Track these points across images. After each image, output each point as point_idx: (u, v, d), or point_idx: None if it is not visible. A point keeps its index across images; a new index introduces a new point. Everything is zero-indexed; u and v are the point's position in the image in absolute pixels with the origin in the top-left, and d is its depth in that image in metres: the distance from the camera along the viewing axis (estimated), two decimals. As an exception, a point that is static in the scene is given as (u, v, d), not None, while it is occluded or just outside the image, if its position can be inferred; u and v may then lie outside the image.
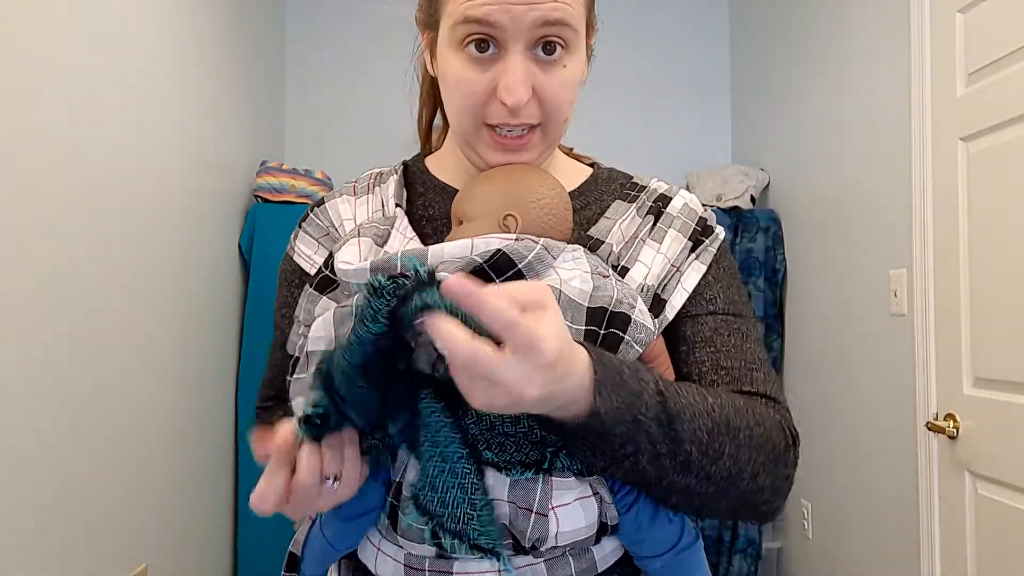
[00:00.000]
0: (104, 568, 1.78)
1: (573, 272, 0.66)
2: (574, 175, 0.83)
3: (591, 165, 0.86)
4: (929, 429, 1.82)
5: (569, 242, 0.72)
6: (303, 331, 0.68)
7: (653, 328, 0.68)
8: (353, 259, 0.68)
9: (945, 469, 1.83)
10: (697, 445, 0.61)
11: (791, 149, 2.75)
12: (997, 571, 1.65)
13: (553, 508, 0.63)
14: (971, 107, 1.73)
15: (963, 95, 1.77)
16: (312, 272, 0.78)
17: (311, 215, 0.82)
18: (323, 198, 0.83)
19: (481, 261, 0.63)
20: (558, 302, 0.62)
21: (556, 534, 0.63)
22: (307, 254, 0.80)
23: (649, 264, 0.74)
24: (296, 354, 0.67)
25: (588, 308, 0.64)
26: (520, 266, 0.64)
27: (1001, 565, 1.64)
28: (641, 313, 0.67)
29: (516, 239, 0.66)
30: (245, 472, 2.57)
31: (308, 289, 0.70)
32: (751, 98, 3.13)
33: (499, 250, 0.64)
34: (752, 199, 2.86)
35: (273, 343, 0.86)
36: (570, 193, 0.80)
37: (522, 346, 0.48)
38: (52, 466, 1.58)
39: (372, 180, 0.83)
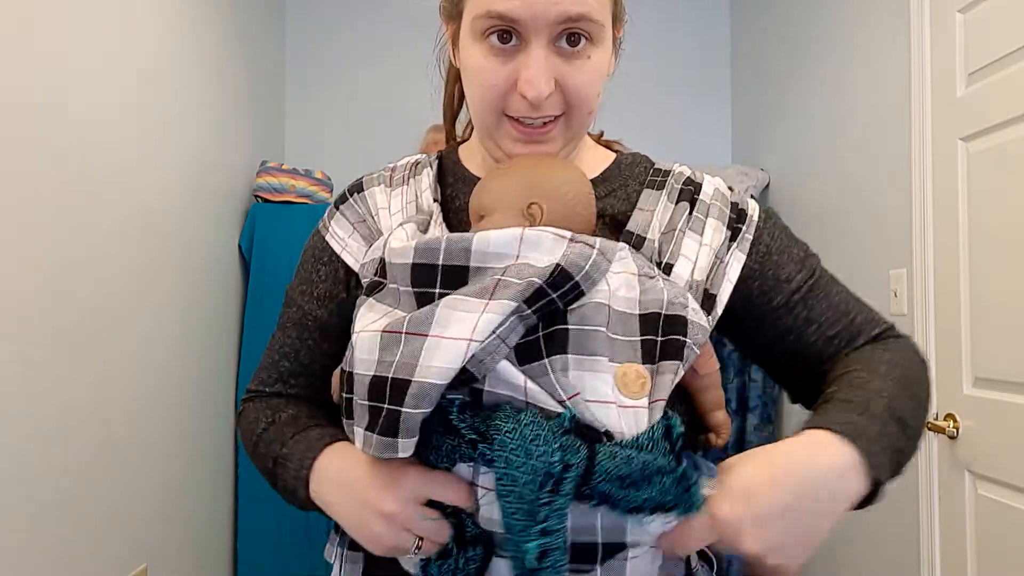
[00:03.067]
0: (104, 568, 1.78)
1: (620, 277, 0.64)
2: (598, 162, 0.81)
3: (614, 151, 0.85)
4: (929, 429, 1.82)
5: (593, 232, 0.70)
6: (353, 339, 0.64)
7: (707, 326, 0.66)
8: (400, 243, 0.66)
9: (945, 469, 1.83)
10: (912, 415, 0.67)
11: (791, 149, 2.75)
12: (997, 571, 1.65)
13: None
14: (971, 107, 1.73)
15: (963, 95, 1.77)
16: (340, 250, 0.78)
17: (350, 199, 0.81)
18: (362, 183, 0.82)
19: (541, 282, 0.59)
20: (608, 323, 0.61)
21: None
22: (341, 236, 0.79)
23: (693, 258, 0.72)
24: (349, 368, 0.63)
25: (640, 315, 0.63)
26: (578, 279, 0.60)
27: (1001, 565, 1.64)
28: (695, 312, 0.65)
29: (570, 239, 0.63)
30: (245, 472, 2.57)
31: (360, 297, 0.68)
32: (751, 98, 3.13)
33: (558, 265, 0.60)
34: (752, 199, 2.86)
35: (281, 322, 0.83)
36: (594, 180, 0.78)
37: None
38: (52, 466, 1.58)
39: (408, 171, 0.81)
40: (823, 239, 2.50)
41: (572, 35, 0.67)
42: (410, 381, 0.56)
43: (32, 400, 1.51)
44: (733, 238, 0.75)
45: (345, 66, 3.23)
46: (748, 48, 3.17)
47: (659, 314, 0.63)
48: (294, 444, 0.73)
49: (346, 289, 0.78)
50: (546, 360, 0.60)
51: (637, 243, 0.72)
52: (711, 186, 0.77)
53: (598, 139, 0.87)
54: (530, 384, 0.59)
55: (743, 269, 0.75)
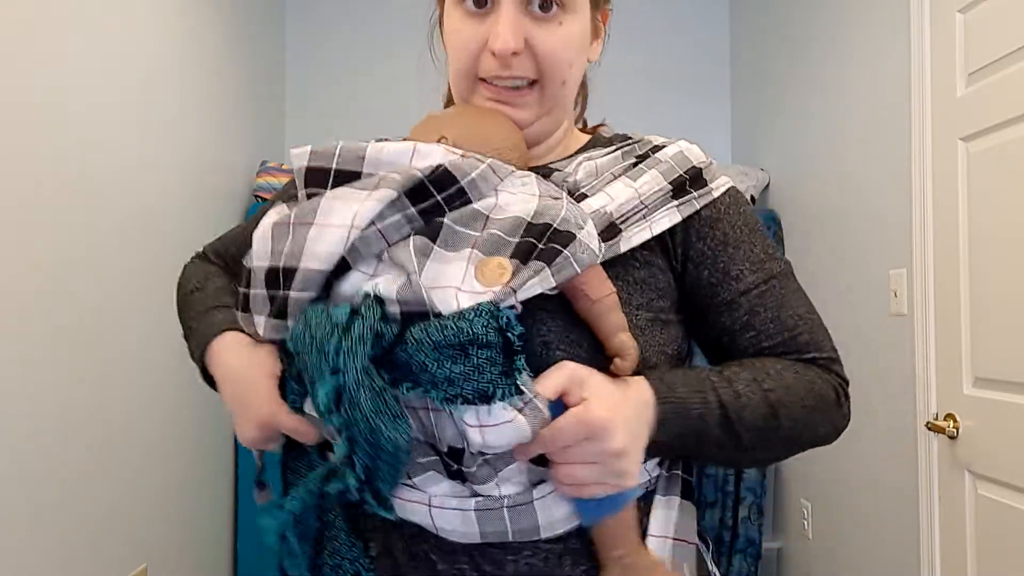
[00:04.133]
0: (104, 568, 1.78)
1: (517, 196, 0.64)
2: (575, 144, 0.81)
3: (593, 133, 0.84)
4: (929, 429, 1.82)
5: None
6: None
7: (598, 252, 0.64)
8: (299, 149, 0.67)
9: (945, 469, 1.83)
10: (756, 433, 0.68)
11: (791, 149, 2.75)
12: (997, 571, 1.65)
13: (482, 425, 0.58)
14: (971, 107, 1.73)
15: (963, 95, 1.77)
16: None
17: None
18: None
19: (423, 176, 0.61)
20: (484, 227, 0.62)
21: (481, 444, 0.59)
22: None
23: (613, 196, 0.70)
24: (247, 264, 0.66)
25: (528, 223, 0.62)
26: (463, 183, 0.62)
27: (1001, 565, 1.64)
28: (588, 235, 0.63)
29: (462, 155, 0.64)
30: (245, 472, 2.57)
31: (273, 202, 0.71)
32: (751, 98, 3.13)
33: (441, 165, 0.62)
34: (752, 199, 2.86)
35: (256, 217, 0.86)
36: (569, 157, 0.77)
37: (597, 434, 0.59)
38: (52, 466, 1.58)
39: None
40: (823, 239, 2.50)
41: (544, 1, 0.68)
42: (296, 268, 0.60)
43: (32, 400, 1.51)
44: (675, 196, 0.71)
45: (345, 66, 3.23)
46: (748, 48, 3.17)
47: (549, 225, 0.62)
48: (201, 320, 0.79)
49: None
50: (412, 237, 0.60)
51: (546, 174, 0.72)
52: (676, 149, 0.74)
53: (583, 128, 0.87)
54: (366, 286, 0.60)
55: (695, 252, 0.73)
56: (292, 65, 3.23)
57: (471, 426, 0.58)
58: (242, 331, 0.71)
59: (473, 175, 0.63)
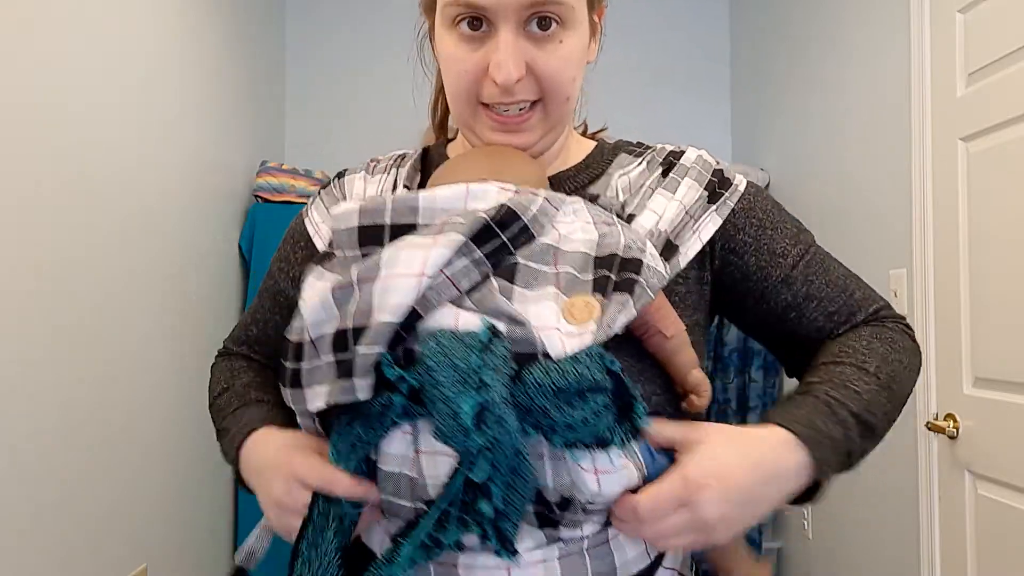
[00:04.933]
0: (104, 568, 1.78)
1: (574, 225, 0.63)
2: (577, 152, 0.80)
3: (597, 141, 0.84)
4: (929, 429, 1.82)
5: None
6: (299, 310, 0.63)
7: (665, 273, 0.64)
8: (343, 209, 0.64)
9: (945, 469, 1.83)
10: (885, 419, 0.69)
11: (791, 149, 2.75)
12: (997, 571, 1.65)
13: (597, 472, 0.57)
14: (971, 107, 1.73)
15: (963, 95, 1.77)
16: (312, 234, 0.79)
17: (331, 184, 0.82)
18: (346, 170, 0.83)
19: (488, 218, 0.58)
20: (556, 262, 0.60)
21: (596, 491, 0.57)
22: (316, 220, 0.80)
23: (660, 212, 0.70)
24: (293, 338, 0.62)
25: (595, 257, 0.61)
26: (525, 220, 0.60)
27: (1001, 565, 1.64)
28: (652, 257, 0.63)
29: (516, 190, 0.62)
30: (245, 472, 2.57)
31: (309, 267, 0.66)
32: (751, 98, 3.13)
33: (504, 204, 0.60)
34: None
35: (260, 289, 0.88)
36: (575, 167, 0.77)
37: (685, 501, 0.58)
38: (52, 466, 1.58)
39: (392, 161, 0.82)
40: (823, 239, 2.48)
41: (542, 19, 0.66)
42: (367, 326, 0.56)
43: (32, 400, 1.51)
44: (712, 200, 0.73)
45: (345, 66, 3.23)
46: (748, 47, 3.17)
47: (615, 255, 0.61)
48: (233, 420, 0.76)
49: None
50: (492, 280, 0.58)
51: (593, 198, 0.71)
52: (694, 153, 0.76)
53: (583, 133, 0.86)
54: (462, 323, 0.56)
55: (737, 244, 0.74)
56: (292, 65, 3.23)
57: (586, 471, 0.56)
58: (273, 422, 0.70)
59: (534, 210, 0.61)
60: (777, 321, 0.76)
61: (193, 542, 2.29)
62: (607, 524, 0.62)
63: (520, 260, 0.60)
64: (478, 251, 0.58)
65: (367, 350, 0.56)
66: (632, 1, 3.24)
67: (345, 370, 0.57)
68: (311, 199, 0.84)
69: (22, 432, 1.48)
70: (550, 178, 0.75)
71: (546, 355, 0.56)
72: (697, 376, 0.67)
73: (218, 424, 0.80)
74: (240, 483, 0.74)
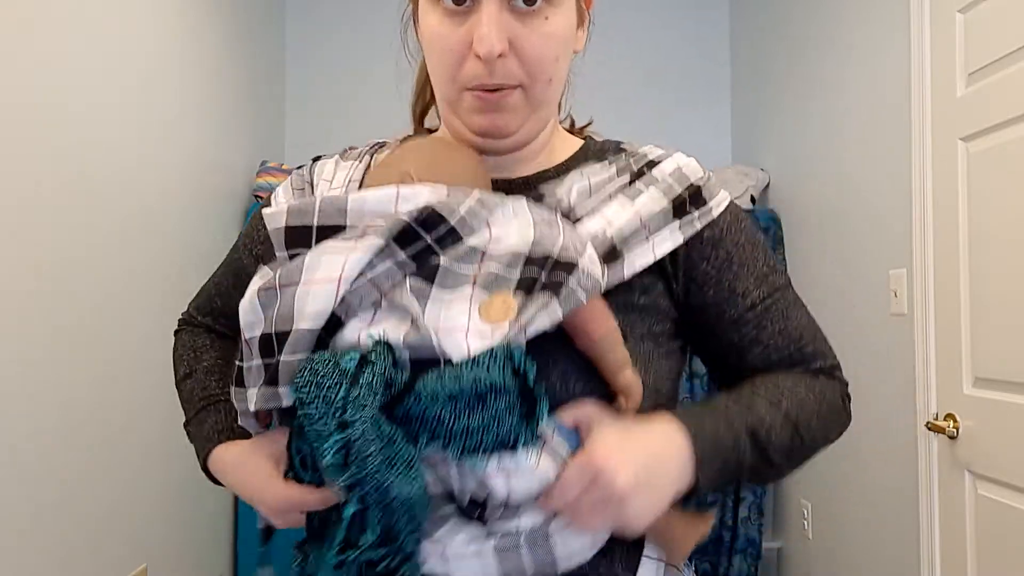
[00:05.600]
0: (104, 568, 1.78)
1: (510, 227, 0.61)
2: (563, 150, 0.78)
3: (586, 138, 0.81)
4: (929, 429, 1.82)
5: None
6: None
7: (601, 279, 0.62)
8: (274, 208, 0.64)
9: (945, 469, 1.83)
10: (784, 452, 0.69)
11: (791, 149, 2.75)
12: (997, 571, 1.65)
13: (507, 474, 0.58)
14: (971, 107, 1.73)
15: (963, 95, 1.77)
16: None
17: (303, 168, 0.82)
18: (321, 156, 0.83)
19: (409, 219, 0.58)
20: (481, 263, 0.60)
21: (506, 493, 0.57)
22: (280, 202, 0.78)
23: (611, 218, 0.67)
24: (244, 335, 0.62)
25: (527, 256, 0.60)
26: (452, 222, 0.59)
27: (1001, 565, 1.64)
28: (590, 261, 0.62)
29: (448, 193, 0.61)
30: (245, 472, 2.57)
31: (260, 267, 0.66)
32: (751, 98, 3.13)
33: (427, 206, 0.59)
34: (752, 199, 2.86)
35: (225, 260, 0.89)
36: (555, 168, 0.75)
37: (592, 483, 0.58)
38: (52, 466, 1.58)
39: (368, 149, 0.80)
40: (823, 239, 2.50)
41: None
42: (289, 332, 0.57)
43: (32, 400, 1.51)
44: (676, 215, 0.69)
45: (345, 66, 3.23)
46: (748, 48, 3.17)
47: (549, 255, 0.60)
48: (194, 422, 0.79)
49: None
50: (407, 279, 0.58)
51: (537, 198, 0.69)
52: (673, 164, 0.72)
53: (571, 128, 0.84)
54: (365, 337, 0.57)
55: (699, 274, 0.72)
56: (292, 65, 3.23)
57: (492, 476, 0.56)
58: (232, 434, 0.73)
59: (462, 211, 0.60)
60: (719, 355, 0.75)
61: (193, 542, 2.29)
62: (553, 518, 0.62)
63: (442, 262, 0.59)
64: (402, 253, 0.58)
65: (290, 357, 0.57)
66: (632, 2, 3.24)
67: (271, 375, 0.58)
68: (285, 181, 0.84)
69: (22, 432, 1.48)
70: (531, 177, 0.74)
71: (447, 360, 0.55)
72: (626, 377, 0.65)
73: (185, 413, 0.83)
74: (212, 481, 0.78)
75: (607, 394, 0.66)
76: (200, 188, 2.35)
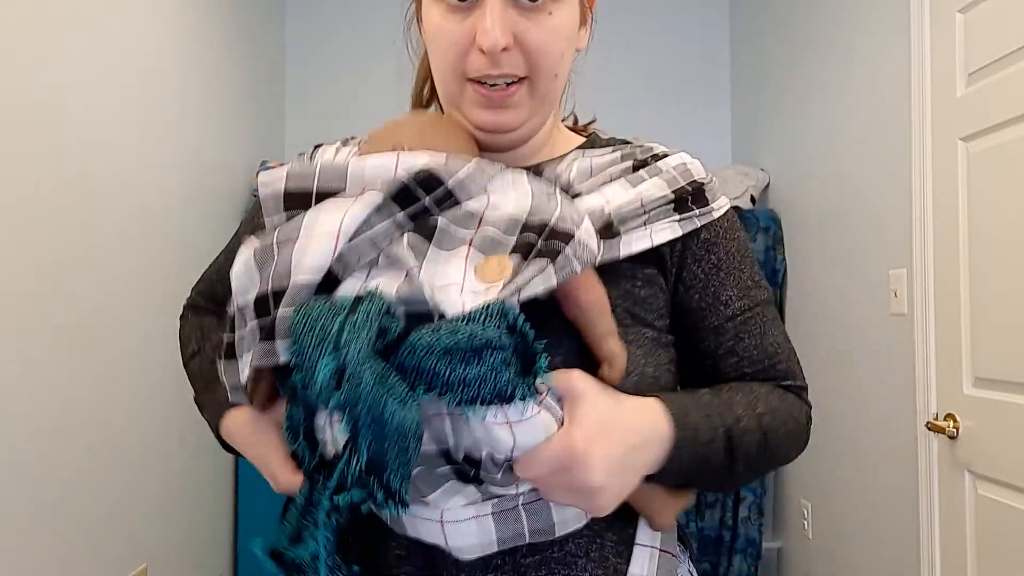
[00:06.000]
0: (104, 568, 1.78)
1: (508, 195, 0.62)
2: (565, 145, 0.78)
3: (589, 135, 0.81)
4: (929, 429, 1.82)
5: None
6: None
7: (597, 252, 0.62)
8: (271, 174, 0.63)
9: (945, 469, 1.83)
10: (750, 458, 0.68)
11: (791, 149, 2.76)
12: (997, 571, 1.65)
13: (510, 423, 0.56)
14: (971, 107, 1.73)
15: (963, 95, 1.77)
16: None
17: (305, 154, 0.81)
18: (320, 145, 0.83)
19: (407, 179, 0.58)
20: (479, 226, 0.59)
21: (512, 443, 0.56)
22: None
23: (611, 198, 0.67)
24: (229, 310, 0.62)
25: (525, 222, 0.60)
26: (449, 184, 0.59)
27: (1001, 565, 1.64)
28: (587, 234, 0.61)
29: (447, 159, 0.61)
30: (245, 472, 2.57)
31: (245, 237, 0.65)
32: (751, 98, 3.13)
33: (425, 168, 0.59)
34: (752, 199, 2.86)
35: (230, 247, 0.88)
36: (557, 159, 0.75)
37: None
38: (52, 466, 1.58)
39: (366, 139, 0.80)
40: (823, 239, 2.50)
41: None
42: (286, 288, 0.56)
43: (32, 400, 1.51)
44: (678, 208, 0.69)
45: (345, 66, 3.23)
46: (748, 49, 3.17)
47: (547, 223, 0.60)
48: (206, 393, 0.79)
49: None
50: (405, 235, 0.58)
51: (538, 171, 0.70)
52: (678, 159, 0.72)
53: (574, 126, 0.84)
54: (369, 284, 0.56)
55: (687, 275, 0.72)
56: (292, 65, 3.23)
57: (498, 424, 0.55)
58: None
59: (460, 175, 0.60)
60: (693, 359, 0.75)
61: (193, 542, 2.29)
62: None
63: (440, 221, 0.59)
64: (400, 212, 0.58)
65: (286, 311, 0.56)
66: (633, 3, 3.24)
67: (264, 331, 0.57)
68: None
69: (22, 432, 1.48)
70: (531, 167, 0.74)
71: (441, 315, 0.55)
72: (611, 345, 0.64)
73: (195, 389, 0.83)
74: (226, 448, 0.78)
75: (592, 366, 0.65)
76: (200, 188, 2.35)
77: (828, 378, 2.39)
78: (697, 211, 0.71)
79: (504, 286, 0.57)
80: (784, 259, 2.78)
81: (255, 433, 0.69)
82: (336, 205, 0.58)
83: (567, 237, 0.59)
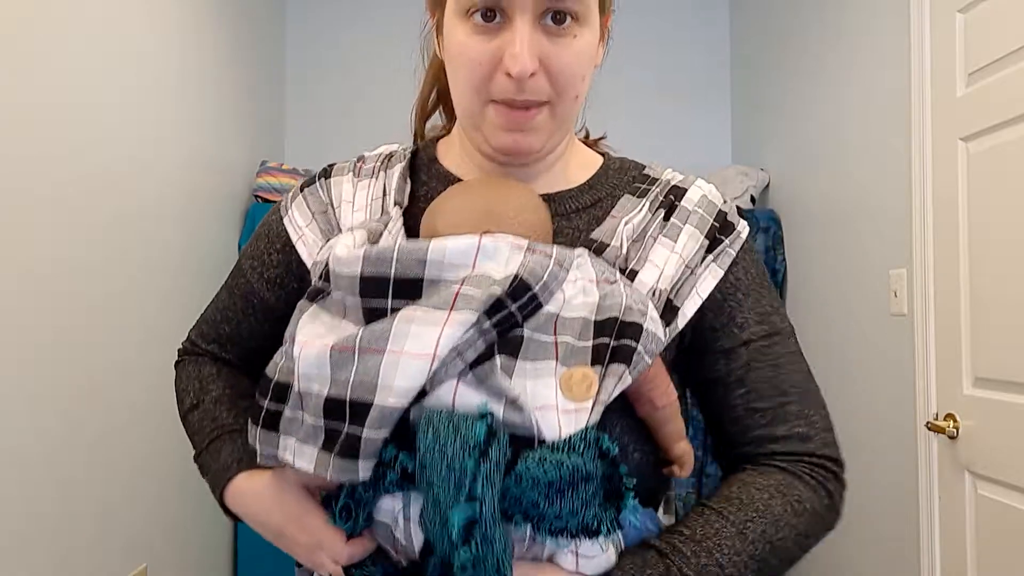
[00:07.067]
0: (104, 568, 1.78)
1: (577, 285, 0.62)
2: (586, 167, 0.78)
3: (602, 154, 0.81)
4: (929, 429, 1.82)
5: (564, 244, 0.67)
6: (288, 349, 0.61)
7: (663, 339, 0.64)
8: (346, 251, 0.63)
9: (945, 469, 1.83)
10: None
11: (791, 149, 2.75)
12: (997, 571, 1.65)
13: (578, 554, 0.60)
14: (971, 107, 1.73)
15: (963, 95, 1.77)
16: (295, 239, 0.76)
17: (316, 184, 0.79)
18: (331, 169, 0.80)
19: (501, 291, 0.57)
20: (556, 331, 0.59)
21: (573, 572, 0.60)
22: (299, 224, 0.77)
23: (661, 265, 0.69)
24: (278, 378, 0.61)
25: (596, 321, 0.60)
26: (535, 289, 0.59)
27: (1001, 565, 1.64)
28: (653, 322, 0.62)
29: (527, 248, 0.61)
30: (245, 472, 2.57)
31: (301, 302, 0.64)
32: (751, 98, 3.13)
33: (517, 276, 0.59)
34: (752, 199, 2.86)
35: (229, 284, 0.84)
36: (579, 187, 0.76)
37: None
38: (52, 466, 1.58)
39: (379, 163, 0.78)
40: (823, 239, 2.50)
41: (557, 13, 0.65)
42: (371, 404, 0.54)
43: (32, 400, 1.51)
44: (711, 248, 0.71)
45: (345, 66, 3.23)
46: (748, 48, 3.17)
47: (616, 319, 0.60)
48: (208, 454, 0.76)
49: (298, 280, 0.77)
50: (496, 358, 0.58)
51: (599, 249, 0.69)
52: (698, 193, 0.73)
53: (585, 140, 0.84)
54: (460, 401, 0.57)
55: (729, 298, 0.72)
56: (292, 65, 3.23)
57: (564, 555, 0.58)
58: (253, 459, 0.67)
59: (545, 277, 0.60)
60: (703, 389, 0.74)
61: (193, 542, 2.29)
62: None
63: (526, 332, 0.59)
64: (487, 321, 0.57)
65: (374, 434, 0.55)
66: (633, 3, 3.24)
67: (342, 445, 0.56)
68: (291, 194, 0.80)
69: (22, 432, 1.48)
70: (552, 195, 0.74)
71: (542, 440, 0.56)
72: (682, 447, 0.68)
73: (195, 446, 0.80)
74: (230, 515, 0.75)
75: (658, 458, 0.69)
76: (200, 188, 2.35)
77: (828, 378, 2.39)
78: (727, 241, 0.72)
79: (593, 407, 0.58)
80: (784, 259, 2.77)
81: (283, 496, 0.66)
82: (425, 318, 0.56)
83: (637, 331, 0.60)
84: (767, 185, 2.93)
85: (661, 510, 0.73)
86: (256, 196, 2.74)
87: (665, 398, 0.65)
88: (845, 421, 2.44)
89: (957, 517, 1.78)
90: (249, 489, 0.70)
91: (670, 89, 3.29)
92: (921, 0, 1.91)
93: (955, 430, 1.76)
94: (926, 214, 1.89)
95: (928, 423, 1.82)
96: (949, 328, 1.81)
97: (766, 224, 2.78)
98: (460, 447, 0.53)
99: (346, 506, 0.60)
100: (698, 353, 0.72)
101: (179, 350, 0.90)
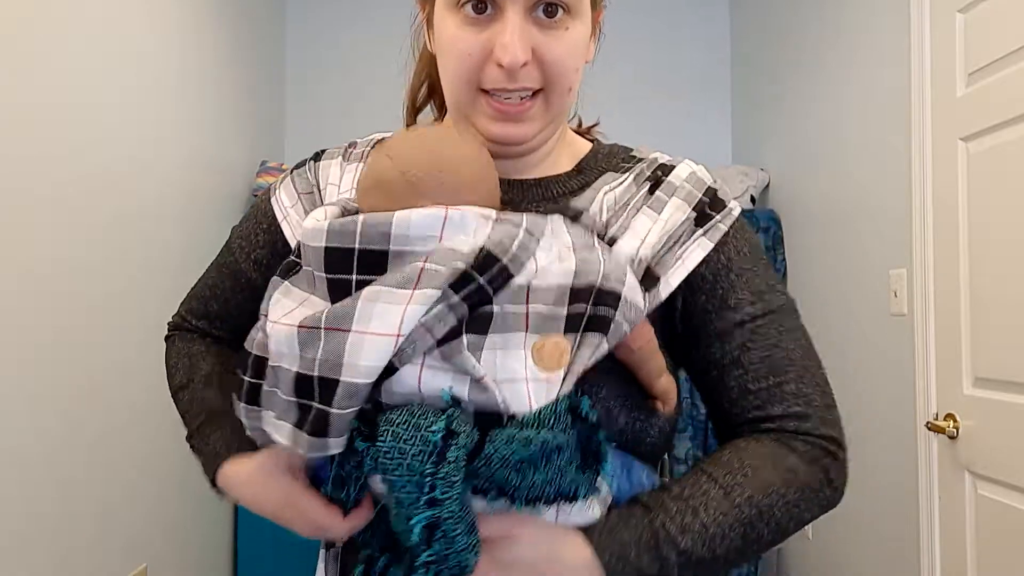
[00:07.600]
0: (104, 568, 1.78)
1: (552, 252, 0.61)
2: (575, 157, 0.78)
3: (593, 141, 0.81)
4: (929, 429, 1.82)
5: (500, 205, 0.65)
6: (263, 324, 0.61)
7: (643, 307, 0.63)
8: (313, 224, 0.62)
9: (945, 469, 1.83)
10: (736, 552, 0.65)
11: (791, 149, 2.76)
12: (997, 571, 1.65)
13: (558, 512, 0.61)
14: (971, 107, 1.73)
15: (963, 95, 1.77)
16: (280, 219, 0.77)
17: (305, 167, 0.80)
18: (322, 153, 0.81)
19: (466, 265, 0.56)
20: (528, 300, 0.58)
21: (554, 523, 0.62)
22: (285, 204, 0.77)
23: (643, 234, 0.68)
24: (256, 351, 0.61)
25: (572, 288, 0.59)
26: (505, 261, 0.57)
27: (1001, 565, 1.64)
28: (631, 290, 0.61)
29: (495, 219, 0.60)
30: (245, 472, 2.57)
31: (274, 278, 0.64)
32: (751, 98, 3.13)
33: (483, 248, 0.57)
34: (752, 199, 2.87)
35: (219, 261, 0.85)
36: (568, 172, 0.75)
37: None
38: (52, 466, 1.58)
39: (369, 147, 0.79)
40: (823, 239, 2.50)
41: (549, 5, 0.65)
42: (338, 381, 0.55)
43: (32, 400, 1.51)
44: (700, 222, 0.70)
45: (345, 66, 3.23)
46: (748, 48, 3.17)
47: (593, 285, 0.59)
48: (198, 436, 0.78)
49: (283, 260, 0.75)
50: (464, 336, 0.57)
51: (575, 216, 0.68)
52: (686, 170, 0.73)
53: (577, 129, 0.84)
54: (425, 384, 0.57)
55: (694, 277, 0.70)
56: (292, 65, 3.24)
57: (547, 512, 0.60)
58: (241, 444, 0.69)
59: (514, 248, 0.58)
60: (699, 372, 0.73)
61: (193, 542, 2.29)
62: None
63: (495, 307, 0.58)
64: (455, 297, 0.56)
65: (341, 411, 0.55)
66: (633, 2, 3.24)
67: (312, 422, 0.56)
68: (281, 177, 0.81)
69: (22, 432, 1.48)
70: (540, 179, 0.74)
71: (511, 415, 0.56)
72: (663, 384, 0.66)
73: (186, 426, 0.81)
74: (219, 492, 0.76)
75: (642, 406, 0.68)
76: (200, 188, 2.35)
77: (828, 378, 2.38)
78: (718, 216, 0.71)
79: (565, 377, 0.57)
80: (784, 259, 2.78)
81: (272, 482, 0.67)
82: (390, 296, 0.55)
83: (615, 299, 0.59)
84: (767, 185, 2.93)
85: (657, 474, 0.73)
86: (256, 196, 2.74)
87: (640, 338, 0.64)
88: (845, 421, 2.43)
89: (957, 517, 1.78)
90: (238, 476, 0.71)
91: (670, 89, 3.29)
92: (921, 0, 1.91)
93: (955, 430, 1.76)
94: (926, 214, 1.89)
95: (928, 423, 1.82)
96: (949, 328, 1.81)
97: (766, 224, 2.78)
98: (419, 450, 0.53)
99: (338, 476, 0.61)
100: (694, 336, 0.72)
101: (169, 324, 0.91)
